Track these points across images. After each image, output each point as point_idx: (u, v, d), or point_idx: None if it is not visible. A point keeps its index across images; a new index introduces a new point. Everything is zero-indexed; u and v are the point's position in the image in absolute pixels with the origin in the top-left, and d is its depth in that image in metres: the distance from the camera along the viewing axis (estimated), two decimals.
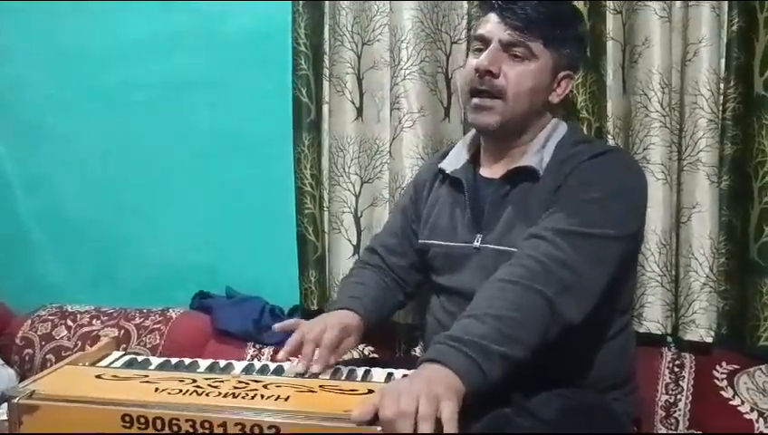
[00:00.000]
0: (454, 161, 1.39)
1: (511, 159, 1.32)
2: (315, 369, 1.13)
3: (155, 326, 1.92)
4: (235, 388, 0.99)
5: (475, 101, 1.28)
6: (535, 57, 1.25)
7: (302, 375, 1.11)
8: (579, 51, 1.34)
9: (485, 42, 1.27)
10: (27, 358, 1.95)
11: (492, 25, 1.27)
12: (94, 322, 1.97)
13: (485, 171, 1.36)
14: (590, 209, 1.17)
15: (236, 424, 0.90)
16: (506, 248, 1.24)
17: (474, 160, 1.39)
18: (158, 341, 1.88)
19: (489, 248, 1.28)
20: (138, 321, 1.94)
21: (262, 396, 0.96)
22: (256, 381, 1.02)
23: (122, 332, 1.91)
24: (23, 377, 1.81)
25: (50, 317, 2.01)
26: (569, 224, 1.14)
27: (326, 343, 1.18)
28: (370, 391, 0.97)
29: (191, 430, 0.91)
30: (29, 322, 2.01)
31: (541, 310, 1.07)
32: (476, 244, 1.30)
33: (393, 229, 1.50)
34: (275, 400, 0.95)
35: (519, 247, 1.16)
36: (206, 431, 0.90)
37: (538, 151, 1.28)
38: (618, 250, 1.18)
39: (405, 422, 0.86)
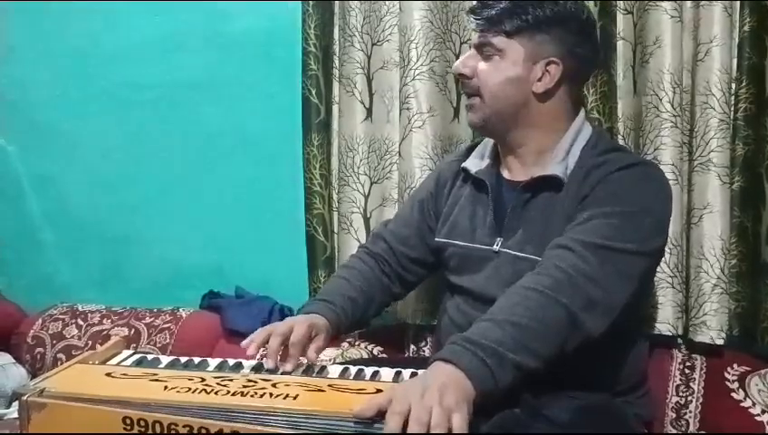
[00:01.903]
0: (477, 161, 1.39)
1: (530, 162, 1.31)
2: (287, 368, 1.13)
3: (165, 326, 1.92)
4: (244, 386, 0.99)
5: (466, 101, 1.33)
6: (500, 51, 1.26)
7: (272, 373, 1.10)
8: (564, 33, 1.27)
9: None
10: (38, 357, 1.96)
11: (472, 32, 1.33)
12: (105, 321, 1.98)
13: (507, 174, 1.35)
14: (619, 224, 1.15)
15: (232, 432, 0.90)
16: (525, 255, 1.24)
17: (496, 162, 1.38)
18: (168, 340, 1.89)
19: (508, 254, 1.27)
20: (148, 320, 1.95)
21: (270, 395, 0.96)
22: (265, 380, 1.03)
23: (132, 331, 1.92)
24: (34, 376, 1.83)
25: (61, 316, 2.02)
26: (597, 237, 1.13)
27: (294, 340, 1.17)
28: (379, 391, 0.97)
29: None
30: (40, 321, 2.02)
31: (562, 323, 1.06)
32: (496, 248, 1.29)
33: (408, 220, 1.49)
34: (284, 398, 0.95)
35: (545, 256, 1.15)
36: None
37: (563, 160, 1.26)
38: (644, 266, 1.18)
39: (416, 428, 0.86)
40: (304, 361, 1.18)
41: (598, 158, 1.25)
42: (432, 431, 0.86)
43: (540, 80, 1.27)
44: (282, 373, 1.11)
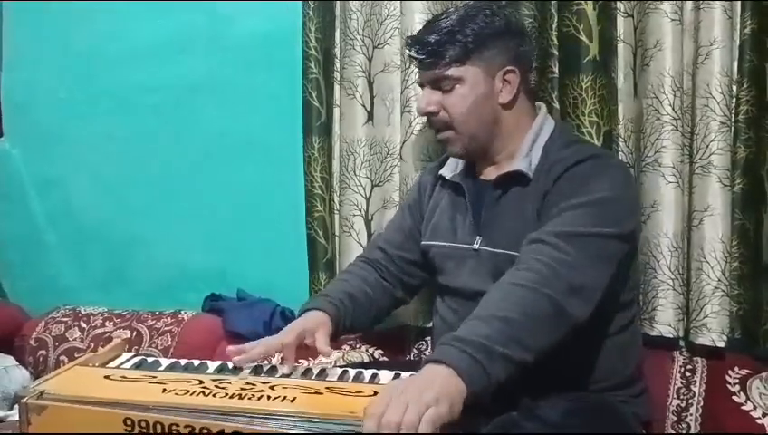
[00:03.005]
0: (453, 167, 1.44)
1: (501, 163, 1.36)
2: (285, 370, 1.15)
3: (167, 328, 1.93)
4: (242, 389, 1.00)
5: (438, 136, 1.37)
6: (459, 79, 1.30)
7: (271, 375, 1.12)
8: (507, 39, 1.32)
9: (423, 87, 1.37)
10: (41, 359, 1.97)
11: (419, 73, 1.38)
12: (107, 324, 1.99)
13: (482, 175, 1.40)
14: (587, 211, 1.18)
15: (234, 432, 0.90)
16: (503, 251, 1.28)
17: (471, 165, 1.42)
18: (169, 342, 1.90)
19: (487, 251, 1.31)
20: (150, 323, 1.96)
21: (268, 397, 0.97)
22: (263, 383, 1.03)
23: (134, 333, 1.93)
24: (36, 378, 1.83)
25: (63, 319, 2.03)
26: (569, 226, 1.16)
27: (285, 342, 1.22)
28: (376, 393, 0.97)
29: None
30: (43, 323, 2.03)
31: (548, 314, 1.07)
32: (476, 246, 1.33)
33: (400, 226, 1.53)
34: (281, 401, 0.96)
35: (521, 252, 1.17)
36: None
37: (526, 155, 1.31)
38: (617, 248, 1.19)
39: (386, 429, 0.87)
40: (305, 363, 1.19)
41: (560, 152, 1.29)
42: (402, 428, 0.87)
43: (502, 91, 1.32)
44: (280, 376, 1.11)
